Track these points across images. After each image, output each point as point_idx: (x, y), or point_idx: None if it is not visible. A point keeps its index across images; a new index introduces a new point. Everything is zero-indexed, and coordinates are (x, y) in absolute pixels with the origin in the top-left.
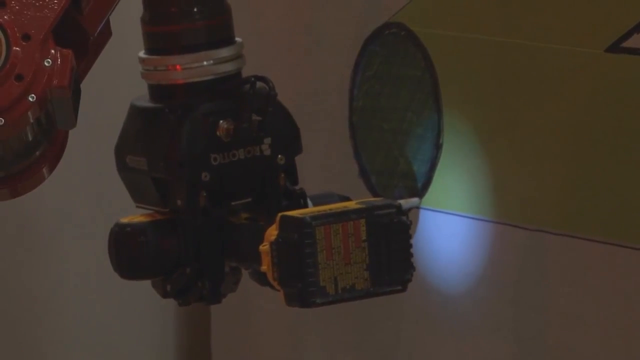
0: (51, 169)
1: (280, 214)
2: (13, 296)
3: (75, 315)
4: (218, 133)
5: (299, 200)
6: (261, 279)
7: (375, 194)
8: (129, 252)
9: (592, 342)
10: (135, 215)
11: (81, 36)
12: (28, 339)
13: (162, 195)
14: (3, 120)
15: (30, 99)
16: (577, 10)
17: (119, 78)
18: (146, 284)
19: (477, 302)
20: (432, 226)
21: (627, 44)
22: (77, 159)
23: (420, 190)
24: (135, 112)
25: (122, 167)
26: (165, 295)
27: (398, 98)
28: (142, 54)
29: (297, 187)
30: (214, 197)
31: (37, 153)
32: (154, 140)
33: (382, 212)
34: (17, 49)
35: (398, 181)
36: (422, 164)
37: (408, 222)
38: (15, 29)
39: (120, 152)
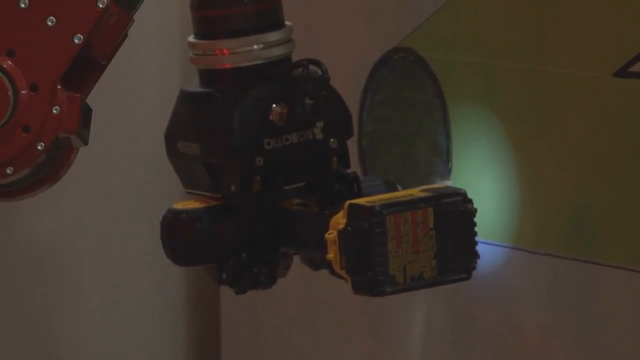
0: (56, 180)
1: (348, 202)
2: (27, 289)
3: (92, 314)
4: (271, 117)
5: (352, 184)
6: (315, 264)
7: None
8: (184, 239)
9: None
10: (187, 201)
11: (91, 62)
12: (42, 335)
13: (215, 180)
14: (12, 169)
15: (39, 148)
16: (585, 36)
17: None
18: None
19: (486, 325)
20: None
21: (635, 68)
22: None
23: None
24: (185, 97)
25: (173, 153)
26: (220, 282)
27: (407, 123)
28: (191, 38)
29: (349, 171)
30: (268, 182)
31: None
32: (206, 125)
33: (450, 199)
34: (25, 100)
35: None
36: None
37: (474, 209)
38: (23, 79)
39: (171, 138)
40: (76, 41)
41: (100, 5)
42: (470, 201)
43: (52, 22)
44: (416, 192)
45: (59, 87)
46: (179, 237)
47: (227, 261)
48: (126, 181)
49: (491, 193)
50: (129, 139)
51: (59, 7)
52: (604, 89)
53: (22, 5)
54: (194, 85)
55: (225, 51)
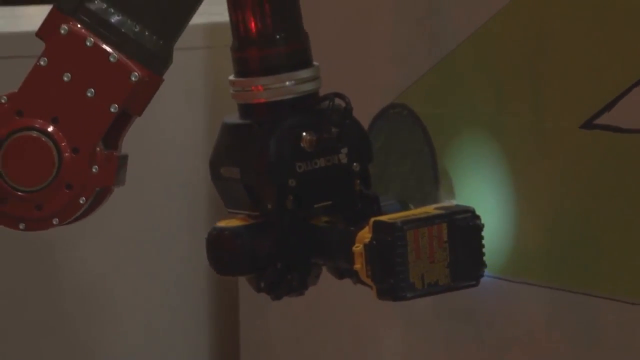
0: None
1: (373, 219)
2: (62, 291)
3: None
4: (302, 144)
5: (373, 203)
6: (340, 274)
7: None
8: (227, 253)
9: None
10: (229, 219)
11: (126, 116)
12: (80, 334)
13: (253, 200)
14: (58, 220)
15: (81, 202)
16: (556, 91)
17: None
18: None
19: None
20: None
21: (599, 121)
22: None
23: None
24: (227, 128)
25: (217, 177)
26: (258, 290)
27: (401, 168)
28: (231, 77)
29: (370, 192)
30: (300, 201)
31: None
32: (245, 152)
33: (461, 216)
34: (68, 161)
35: None
36: None
37: (482, 224)
38: (66, 143)
39: (215, 164)
40: (112, 110)
41: (133, 79)
42: (478, 217)
43: (91, 93)
44: (431, 209)
45: (97, 147)
46: (223, 251)
47: (264, 271)
48: (153, 211)
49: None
50: (153, 171)
51: (97, 81)
52: (574, 139)
53: (65, 79)
54: (235, 118)
55: (260, 87)
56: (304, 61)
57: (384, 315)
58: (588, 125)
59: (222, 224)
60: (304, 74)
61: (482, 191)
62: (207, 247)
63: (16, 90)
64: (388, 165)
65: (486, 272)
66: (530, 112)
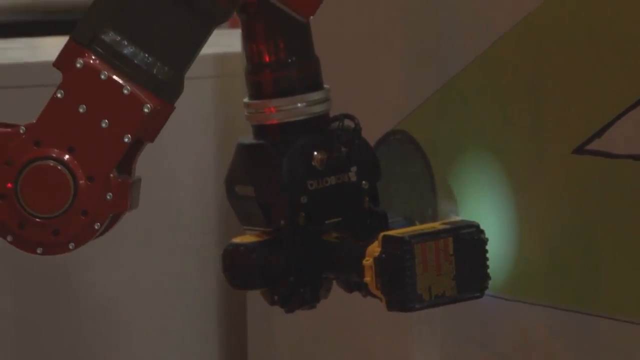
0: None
1: (382, 234)
2: (80, 295)
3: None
4: (313, 163)
5: (381, 219)
6: (349, 287)
7: None
8: (242, 267)
9: None
10: (245, 236)
11: (139, 142)
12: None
13: (267, 217)
14: (74, 244)
15: (96, 227)
16: (552, 118)
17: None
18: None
19: None
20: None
21: (590, 147)
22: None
23: None
24: (242, 149)
25: (232, 196)
26: (272, 303)
27: (401, 191)
28: (246, 99)
29: (378, 209)
30: (311, 217)
31: None
32: (259, 171)
33: (466, 230)
34: (83, 189)
35: None
36: None
37: (485, 239)
38: (82, 171)
39: (230, 183)
40: (126, 140)
41: (146, 110)
42: (482, 232)
43: (105, 124)
44: (437, 224)
45: (111, 175)
46: (238, 265)
47: (278, 285)
48: (164, 233)
49: None
50: (165, 194)
51: (111, 112)
52: (566, 164)
53: (81, 110)
54: (249, 138)
55: (273, 109)
56: (315, 84)
57: (387, 323)
58: (580, 150)
59: (237, 240)
60: (315, 96)
61: (482, 211)
62: (223, 262)
63: (34, 121)
64: (388, 189)
65: (486, 291)
66: (528, 137)
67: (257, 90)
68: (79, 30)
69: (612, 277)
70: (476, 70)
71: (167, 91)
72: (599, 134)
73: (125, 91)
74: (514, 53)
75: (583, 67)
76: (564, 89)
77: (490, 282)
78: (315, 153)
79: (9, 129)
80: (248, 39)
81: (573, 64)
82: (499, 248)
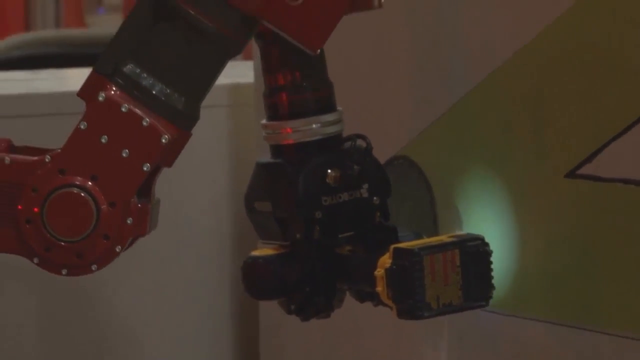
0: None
1: (393, 246)
2: (97, 306)
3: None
4: (327, 180)
5: (391, 233)
6: (361, 297)
7: None
8: (261, 278)
9: None
10: (263, 249)
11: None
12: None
13: (283, 231)
14: (96, 266)
15: (117, 250)
16: (547, 143)
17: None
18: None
19: None
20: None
21: (582, 171)
22: None
23: None
24: (260, 167)
25: (251, 211)
26: (289, 312)
27: (403, 214)
28: (264, 121)
29: (389, 223)
30: (325, 231)
31: None
32: (276, 188)
33: (472, 243)
34: (105, 214)
35: None
36: None
37: (490, 251)
38: (103, 198)
39: (249, 199)
40: (145, 169)
41: (164, 141)
42: (487, 244)
43: (126, 154)
44: (445, 237)
45: (132, 200)
46: (257, 277)
47: (294, 295)
48: (180, 255)
49: None
50: (181, 216)
51: (131, 143)
52: (559, 187)
53: (103, 141)
54: (267, 158)
55: (289, 130)
56: (329, 106)
57: (393, 331)
58: (571, 174)
59: (256, 253)
60: (329, 117)
61: (484, 229)
62: (243, 274)
63: (59, 150)
64: (391, 210)
65: (487, 308)
66: (528, 160)
67: (274, 112)
68: (102, 63)
69: (611, 293)
70: (481, 94)
71: (184, 120)
72: (589, 159)
73: (145, 123)
74: (514, 79)
75: (576, 95)
76: (559, 116)
77: (491, 299)
78: (329, 171)
79: (36, 158)
80: (265, 64)
81: (568, 92)
82: (499, 264)
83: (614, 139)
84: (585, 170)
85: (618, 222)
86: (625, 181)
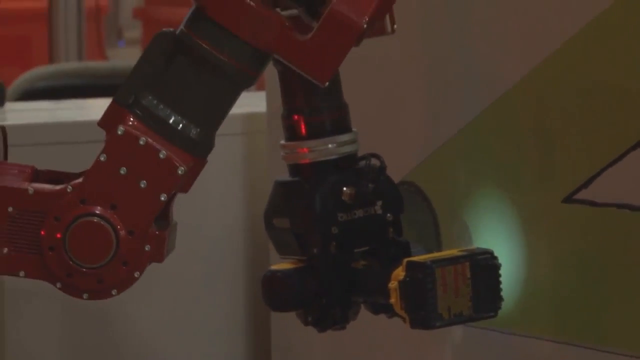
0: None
1: (406, 260)
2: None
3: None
4: (343, 197)
5: (404, 248)
6: (375, 309)
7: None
8: (279, 291)
9: None
10: (282, 263)
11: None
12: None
13: (301, 246)
14: (116, 291)
15: (136, 275)
16: (545, 168)
17: None
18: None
19: None
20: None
21: (578, 196)
22: None
23: None
24: (279, 186)
25: (270, 227)
26: (306, 323)
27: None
28: (282, 141)
29: (402, 239)
30: (341, 246)
31: None
32: (294, 205)
33: (482, 256)
34: (124, 242)
35: None
36: None
37: (499, 264)
38: (122, 226)
39: (268, 216)
40: (162, 198)
41: (180, 172)
42: (496, 258)
43: (144, 184)
44: (455, 251)
45: (150, 230)
46: (276, 290)
47: (311, 307)
48: (198, 273)
49: None
50: (197, 239)
51: (149, 174)
52: (557, 212)
53: (122, 172)
54: (285, 177)
55: (306, 150)
56: (344, 127)
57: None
58: (569, 199)
59: (275, 267)
60: (344, 137)
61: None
62: (262, 287)
63: (80, 180)
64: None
65: (493, 327)
66: (533, 184)
67: (292, 133)
68: (121, 94)
69: (617, 314)
70: (489, 118)
71: (200, 149)
72: (585, 185)
73: (162, 155)
74: (520, 104)
75: (573, 124)
76: (559, 142)
77: (498, 318)
78: (345, 189)
79: (58, 188)
80: (283, 87)
81: (568, 118)
82: (506, 284)
83: (609, 165)
84: (582, 195)
85: (617, 246)
86: (619, 206)
